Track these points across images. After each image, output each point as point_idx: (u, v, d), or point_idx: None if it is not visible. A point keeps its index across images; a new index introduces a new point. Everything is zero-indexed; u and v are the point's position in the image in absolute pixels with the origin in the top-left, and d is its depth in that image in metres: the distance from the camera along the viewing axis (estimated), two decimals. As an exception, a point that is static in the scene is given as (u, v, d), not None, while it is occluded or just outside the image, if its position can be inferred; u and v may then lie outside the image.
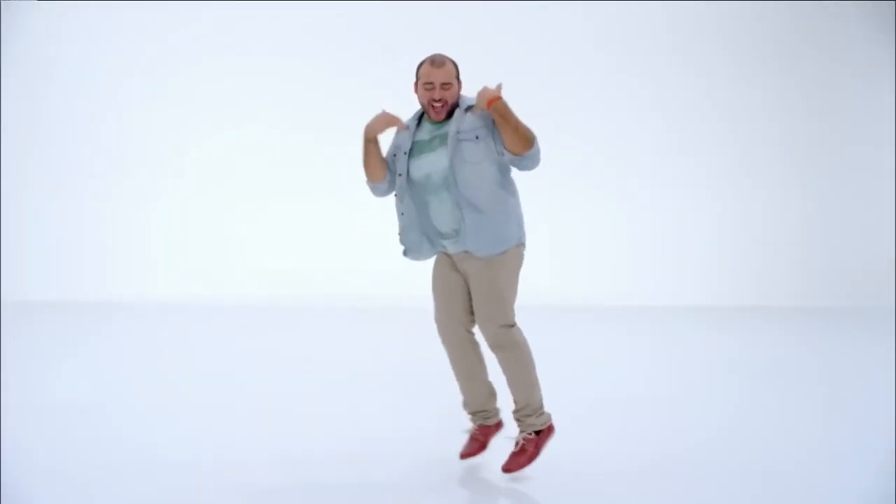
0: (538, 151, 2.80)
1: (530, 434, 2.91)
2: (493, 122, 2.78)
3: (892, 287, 8.15)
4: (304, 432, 3.51)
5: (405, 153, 2.89)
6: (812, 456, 3.26)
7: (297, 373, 4.77)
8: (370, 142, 2.87)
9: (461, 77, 2.89)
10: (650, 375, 4.81)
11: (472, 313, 2.93)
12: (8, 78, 8.16)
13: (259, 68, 8.30)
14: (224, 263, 8.19)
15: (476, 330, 2.97)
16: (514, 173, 2.91)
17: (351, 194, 5.87)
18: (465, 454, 3.03)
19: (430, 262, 3.06)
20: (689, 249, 8.46)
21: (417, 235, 2.93)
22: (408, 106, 3.05)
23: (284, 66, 8.29)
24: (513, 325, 2.86)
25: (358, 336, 6.17)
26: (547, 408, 2.99)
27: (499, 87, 2.78)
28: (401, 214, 2.95)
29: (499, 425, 3.08)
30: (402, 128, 2.92)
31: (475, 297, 2.87)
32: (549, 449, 2.95)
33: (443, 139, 2.83)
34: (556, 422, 3.01)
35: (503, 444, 3.01)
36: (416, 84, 2.87)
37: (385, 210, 3.32)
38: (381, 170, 2.92)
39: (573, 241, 8.33)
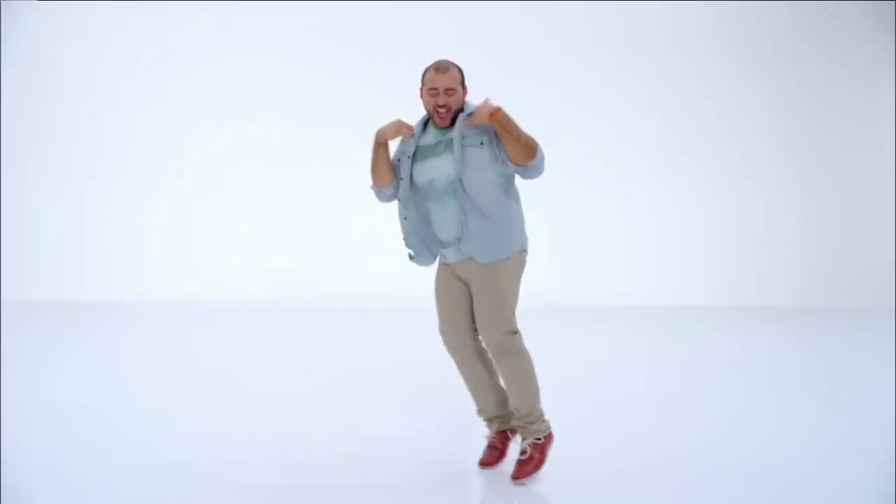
0: (542, 160, 2.79)
1: (537, 440, 2.91)
2: (496, 132, 2.77)
3: (892, 287, 8.16)
4: (304, 432, 3.51)
5: (409, 157, 2.89)
6: (812, 456, 3.26)
7: (297, 373, 4.77)
8: (380, 146, 2.87)
9: (466, 83, 2.88)
10: (650, 375, 4.81)
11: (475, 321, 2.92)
12: (8, 78, 8.16)
13: (259, 68, 8.30)
14: (224, 263, 8.19)
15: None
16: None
17: (351, 194, 5.90)
18: (485, 462, 3.04)
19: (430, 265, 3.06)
20: (689, 249, 8.46)
21: (419, 242, 2.94)
22: (408, 106, 3.05)
23: (284, 66, 8.30)
24: (516, 332, 2.86)
25: (358, 336, 6.17)
26: (547, 408, 2.99)
27: (486, 101, 2.76)
28: (403, 219, 2.95)
29: (515, 430, 3.08)
30: (409, 136, 2.91)
31: (477, 304, 2.86)
32: (550, 449, 2.95)
33: (448, 144, 2.83)
34: (556, 422, 3.01)
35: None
36: (422, 90, 2.87)
37: (385, 210, 3.32)
38: (389, 175, 2.91)
39: (573, 240, 8.33)
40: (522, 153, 2.75)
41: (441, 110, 2.82)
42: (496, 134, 2.78)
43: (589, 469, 3.04)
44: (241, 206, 8.33)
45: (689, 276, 8.36)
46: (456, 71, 2.84)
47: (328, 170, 8.03)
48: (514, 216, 2.87)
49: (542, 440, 2.91)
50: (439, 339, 3.03)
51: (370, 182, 2.95)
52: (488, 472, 3.01)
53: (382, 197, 2.99)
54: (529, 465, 2.88)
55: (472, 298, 2.90)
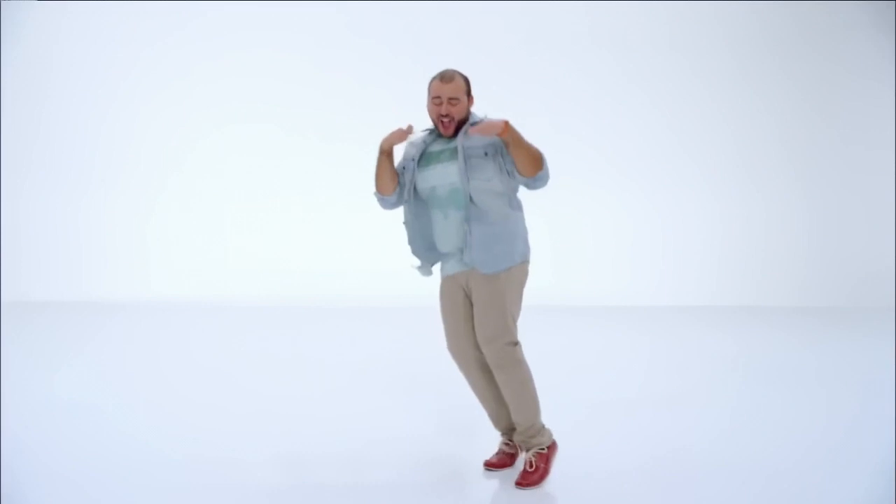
0: (548, 171, 2.80)
1: (541, 451, 2.90)
2: (503, 143, 2.76)
3: (892, 287, 8.15)
4: (304, 432, 3.51)
5: (413, 160, 2.89)
6: (812, 456, 3.26)
7: (297, 373, 4.77)
8: (384, 153, 2.86)
9: (472, 92, 2.85)
10: (650, 375, 4.81)
11: None
12: (8, 78, 8.16)
13: (259, 68, 8.30)
14: (224, 264, 8.19)
15: None
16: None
17: (351, 194, 5.90)
18: (491, 464, 3.03)
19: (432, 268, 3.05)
20: (689, 249, 8.46)
21: (420, 250, 2.95)
22: (408, 106, 3.05)
23: (284, 65, 8.29)
24: (516, 344, 2.84)
25: (358, 336, 6.17)
26: (548, 407, 2.99)
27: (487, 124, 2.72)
28: (406, 224, 2.96)
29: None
30: (410, 133, 2.89)
31: (477, 314, 2.84)
32: (555, 458, 2.95)
33: (452, 153, 2.82)
34: (556, 422, 3.01)
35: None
36: (427, 98, 2.86)
37: (385, 210, 3.32)
38: (392, 182, 2.90)
39: (574, 240, 8.33)
40: (531, 165, 2.75)
41: (444, 119, 2.81)
42: (504, 146, 2.77)
43: (589, 468, 3.04)
44: (241, 206, 8.33)
45: (689, 276, 8.36)
46: (461, 80, 2.82)
47: (328, 170, 8.03)
48: (517, 226, 2.87)
49: (546, 451, 2.91)
50: (439, 339, 3.03)
51: (373, 188, 2.95)
52: (489, 472, 3.00)
53: (385, 204, 2.99)
54: (535, 475, 2.87)
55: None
